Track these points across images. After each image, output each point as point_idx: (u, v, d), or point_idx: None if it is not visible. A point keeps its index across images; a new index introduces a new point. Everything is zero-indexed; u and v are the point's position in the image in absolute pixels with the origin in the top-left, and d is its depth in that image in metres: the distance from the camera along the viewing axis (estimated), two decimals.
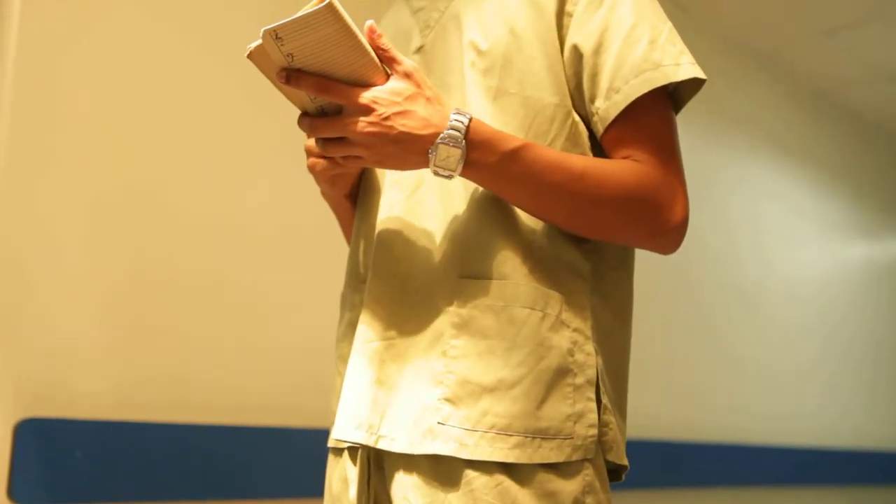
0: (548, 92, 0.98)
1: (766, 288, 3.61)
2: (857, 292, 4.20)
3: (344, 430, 0.99)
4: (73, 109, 1.74)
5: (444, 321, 0.95)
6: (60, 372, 1.67)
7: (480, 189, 0.96)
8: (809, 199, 3.96)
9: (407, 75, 0.90)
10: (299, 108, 0.94)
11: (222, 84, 1.97)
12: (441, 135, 0.88)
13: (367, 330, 1.00)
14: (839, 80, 3.93)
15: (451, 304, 0.95)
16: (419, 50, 1.07)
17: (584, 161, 0.93)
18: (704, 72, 0.97)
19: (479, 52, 0.99)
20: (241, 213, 1.98)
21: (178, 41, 1.91)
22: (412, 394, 0.94)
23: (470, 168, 0.90)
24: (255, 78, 1.98)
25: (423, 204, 1.00)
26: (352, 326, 1.08)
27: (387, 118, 0.88)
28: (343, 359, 1.09)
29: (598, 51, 0.96)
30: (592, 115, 0.97)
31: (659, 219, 0.94)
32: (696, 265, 3.25)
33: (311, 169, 1.06)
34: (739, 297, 3.46)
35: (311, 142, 1.04)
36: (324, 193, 1.16)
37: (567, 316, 0.94)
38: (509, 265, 0.94)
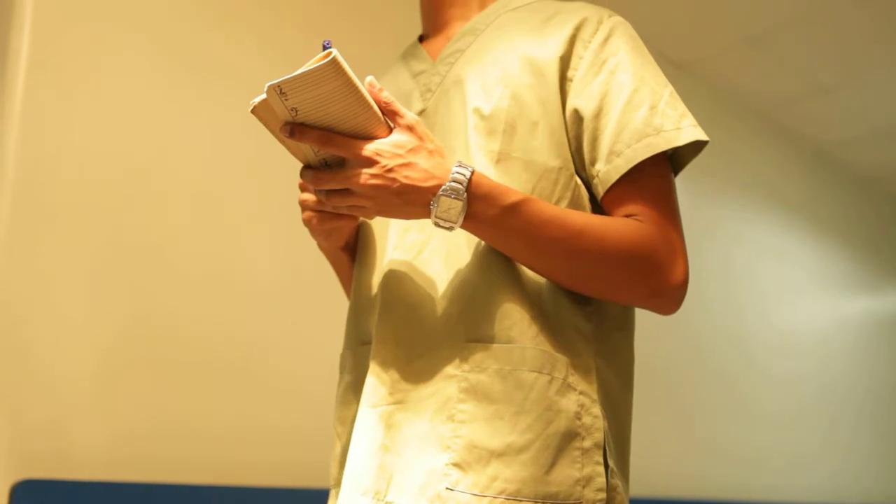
0: (550, 156, 0.98)
1: (766, 342, 3.60)
2: (856, 348, 4.18)
3: (349, 497, 0.97)
4: (73, 167, 1.75)
5: (451, 385, 0.94)
6: (57, 433, 1.65)
7: (485, 251, 0.96)
8: (810, 255, 3.97)
9: (409, 128, 0.91)
10: (302, 161, 0.95)
11: (222, 135, 1.99)
12: (443, 187, 0.88)
13: (373, 394, 0.99)
14: (838, 137, 3.97)
15: (458, 368, 0.94)
16: (421, 113, 1.08)
17: (585, 218, 0.93)
18: (706, 129, 0.97)
19: (482, 117, 1.00)
20: (240, 273, 1.97)
21: (177, 101, 1.93)
22: (419, 459, 0.93)
23: (471, 220, 0.90)
24: (255, 130, 2.01)
25: (427, 266, 1.00)
26: (351, 389, 1.07)
27: (390, 170, 0.88)
28: (342, 422, 1.08)
29: (598, 115, 0.97)
30: (593, 177, 0.98)
31: (659, 278, 0.93)
32: (697, 319, 3.24)
33: (307, 223, 1.07)
34: (740, 351, 3.44)
35: (306, 196, 1.04)
36: (320, 246, 1.16)
37: (574, 379, 0.93)
38: (516, 329, 0.94)
